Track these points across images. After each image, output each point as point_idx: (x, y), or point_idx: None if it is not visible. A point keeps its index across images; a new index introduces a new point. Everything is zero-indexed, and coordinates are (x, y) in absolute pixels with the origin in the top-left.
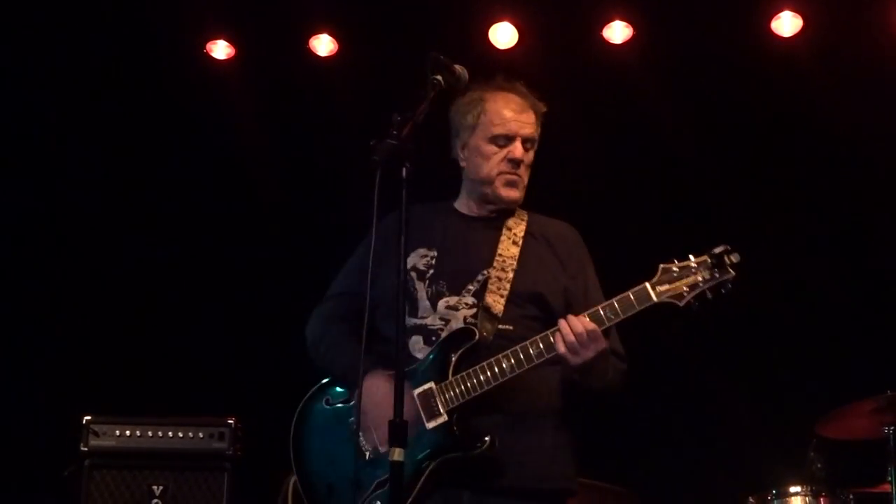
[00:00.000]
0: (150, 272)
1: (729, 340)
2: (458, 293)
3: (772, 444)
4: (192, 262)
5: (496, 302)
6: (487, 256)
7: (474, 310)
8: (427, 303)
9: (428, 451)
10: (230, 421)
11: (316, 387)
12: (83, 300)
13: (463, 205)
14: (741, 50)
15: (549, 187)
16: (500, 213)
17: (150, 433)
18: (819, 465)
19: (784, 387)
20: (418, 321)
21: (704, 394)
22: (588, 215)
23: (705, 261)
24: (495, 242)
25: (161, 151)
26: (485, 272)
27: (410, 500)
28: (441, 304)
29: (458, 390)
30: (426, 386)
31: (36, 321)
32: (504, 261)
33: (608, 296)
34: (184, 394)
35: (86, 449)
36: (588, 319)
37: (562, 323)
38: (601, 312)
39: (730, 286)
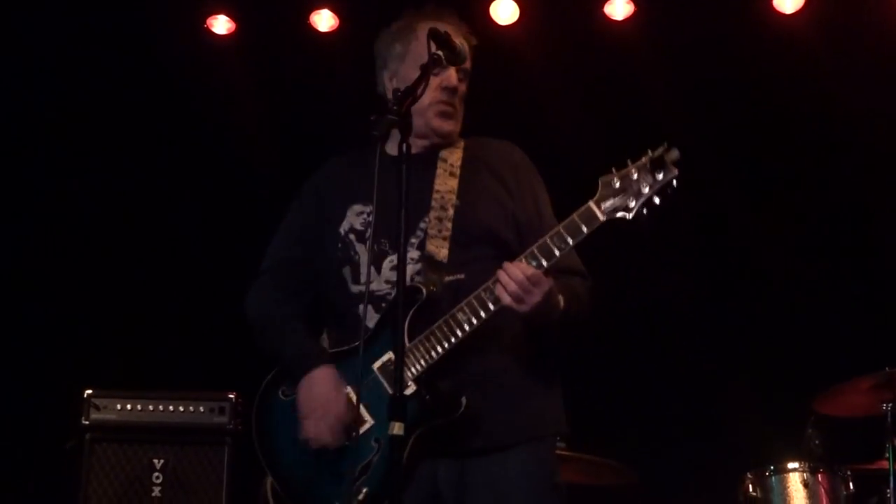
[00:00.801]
0: (150, 246)
1: (727, 317)
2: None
3: (770, 420)
4: (192, 237)
5: (439, 248)
6: (425, 198)
7: (420, 264)
8: (371, 267)
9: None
10: (231, 395)
11: (268, 378)
12: (85, 274)
13: (393, 146)
14: (742, 26)
15: (550, 166)
16: (435, 149)
17: (151, 407)
18: (817, 442)
19: (782, 363)
20: (363, 288)
21: (702, 370)
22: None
23: (644, 165)
24: (431, 179)
25: (161, 128)
26: (426, 218)
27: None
28: (385, 264)
29: (418, 354)
30: (385, 357)
31: (37, 295)
32: (443, 197)
33: None
34: (185, 368)
35: (87, 423)
36: (525, 263)
37: (500, 273)
38: (549, 243)
39: (675, 186)
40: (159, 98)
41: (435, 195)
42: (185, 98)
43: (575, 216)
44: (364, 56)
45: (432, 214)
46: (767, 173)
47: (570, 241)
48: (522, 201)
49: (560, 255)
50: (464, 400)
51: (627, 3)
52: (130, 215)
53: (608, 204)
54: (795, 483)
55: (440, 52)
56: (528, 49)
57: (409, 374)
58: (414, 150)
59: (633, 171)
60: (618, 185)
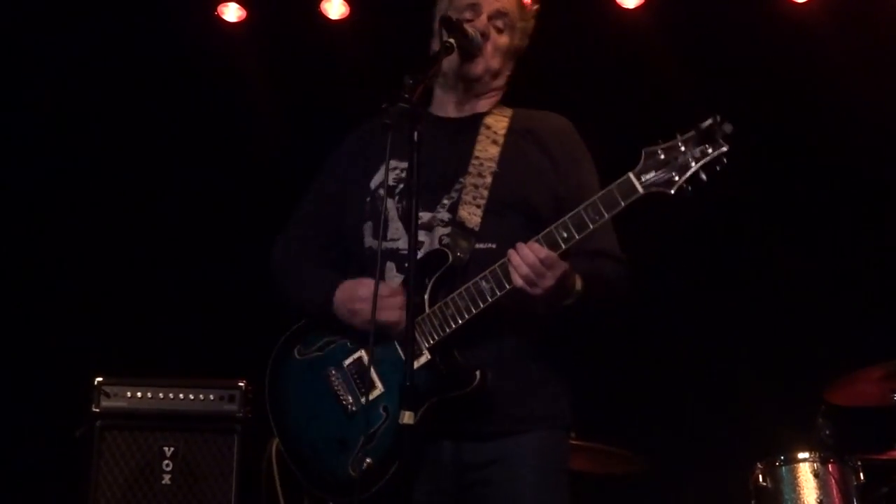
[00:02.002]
0: (161, 234)
1: (739, 306)
2: (431, 209)
3: (780, 410)
4: (202, 225)
5: (472, 215)
6: (464, 160)
7: (449, 227)
8: (399, 223)
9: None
10: (241, 383)
11: (284, 338)
12: (96, 261)
13: (438, 106)
14: (753, 15)
15: None
16: (479, 115)
17: (161, 395)
18: (827, 432)
19: (793, 353)
20: (388, 244)
21: (713, 359)
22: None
23: (693, 136)
24: (472, 143)
25: (171, 116)
26: (462, 179)
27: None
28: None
29: (436, 322)
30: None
31: (47, 283)
32: (481, 164)
33: None
34: (195, 355)
35: (97, 410)
36: (536, 244)
37: (511, 254)
38: (582, 214)
39: (725, 162)
40: (170, 86)
41: (473, 161)
42: (196, 86)
43: (613, 187)
44: (375, 43)
45: (468, 179)
46: (779, 164)
47: (605, 214)
48: (566, 175)
49: (594, 227)
50: (478, 373)
51: None
52: (140, 203)
53: (649, 176)
54: (806, 473)
55: (451, 40)
56: (538, 37)
57: (425, 343)
58: (456, 114)
59: (680, 143)
60: (662, 156)
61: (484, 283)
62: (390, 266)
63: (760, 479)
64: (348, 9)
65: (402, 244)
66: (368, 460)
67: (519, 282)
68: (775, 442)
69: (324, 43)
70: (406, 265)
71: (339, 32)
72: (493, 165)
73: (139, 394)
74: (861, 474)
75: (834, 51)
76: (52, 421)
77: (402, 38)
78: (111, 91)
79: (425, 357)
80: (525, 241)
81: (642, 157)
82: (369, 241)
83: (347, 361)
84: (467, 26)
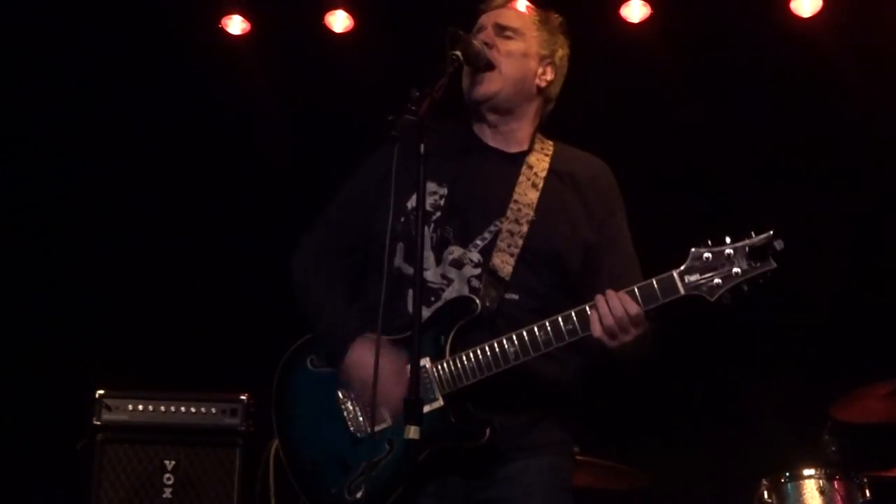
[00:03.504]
0: (163, 247)
1: (744, 322)
2: (465, 245)
3: (786, 426)
4: (207, 238)
5: (504, 263)
6: (503, 201)
7: (479, 269)
8: (430, 253)
9: (420, 437)
10: (243, 397)
11: (298, 343)
12: (98, 274)
13: (477, 125)
14: (759, 31)
15: None
16: (523, 153)
17: (162, 408)
18: (833, 448)
19: (799, 369)
20: (413, 270)
21: (718, 375)
22: None
23: (743, 248)
24: (513, 184)
25: (175, 129)
26: (497, 222)
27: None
28: (445, 254)
29: (455, 372)
30: (422, 362)
31: (49, 295)
32: (520, 209)
33: None
34: (197, 369)
35: (98, 423)
36: (629, 297)
37: (600, 302)
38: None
39: (769, 277)
40: (174, 98)
41: (512, 205)
42: (200, 99)
43: (654, 281)
44: (379, 57)
45: (505, 225)
46: (784, 176)
47: (642, 305)
48: (600, 225)
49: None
50: (487, 430)
51: (643, 5)
52: (144, 215)
53: (693, 278)
54: (811, 490)
55: (457, 52)
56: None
57: (438, 387)
58: (496, 143)
59: (729, 250)
60: (708, 260)
61: (509, 346)
62: (411, 293)
63: (766, 496)
64: (353, 22)
65: (431, 275)
66: (364, 487)
67: (598, 330)
68: (781, 458)
69: (328, 56)
70: (431, 298)
71: (343, 45)
72: (531, 213)
73: (140, 407)
74: (867, 491)
75: (840, 65)
76: (54, 434)
77: (406, 52)
78: (114, 104)
79: (439, 403)
80: (546, 296)
81: (689, 257)
82: (399, 261)
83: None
84: (474, 39)
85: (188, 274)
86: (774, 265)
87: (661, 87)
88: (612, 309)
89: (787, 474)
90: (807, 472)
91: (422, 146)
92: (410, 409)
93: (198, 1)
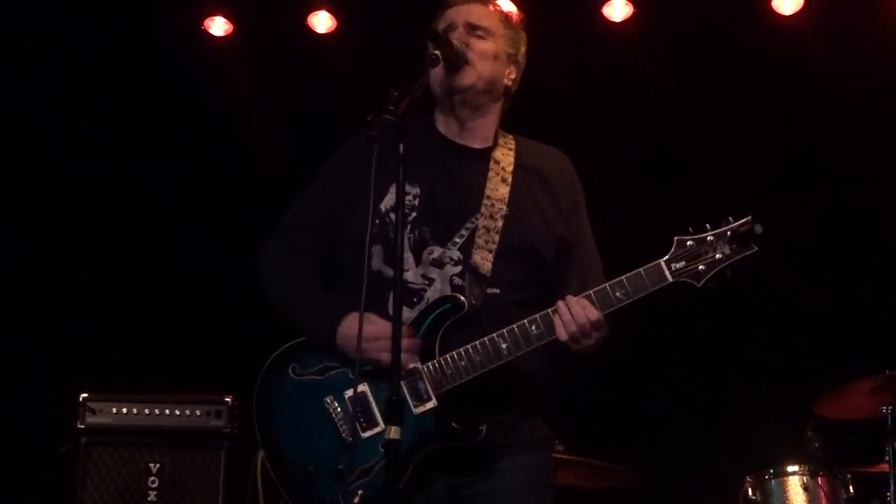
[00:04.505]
0: (148, 248)
1: (727, 319)
2: (443, 244)
3: (770, 423)
4: (190, 239)
5: (484, 260)
6: (476, 198)
7: (460, 267)
8: (409, 254)
9: (414, 439)
10: (227, 399)
11: (278, 352)
12: (81, 277)
13: (442, 122)
14: (741, 28)
15: None
16: (487, 149)
17: (147, 411)
18: (817, 445)
19: (783, 365)
20: (392, 272)
21: (702, 373)
22: (589, 195)
23: (724, 234)
24: (483, 180)
25: (158, 130)
26: (474, 219)
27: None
28: (425, 255)
29: (448, 372)
30: (411, 365)
31: (34, 298)
32: (493, 205)
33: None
34: (181, 371)
35: (82, 426)
36: (588, 302)
37: (561, 309)
38: (609, 292)
39: (750, 262)
40: (156, 99)
41: (485, 201)
42: (183, 100)
43: (642, 271)
44: (362, 57)
45: (481, 221)
46: (768, 175)
47: (632, 295)
48: (568, 217)
49: (618, 306)
50: (483, 428)
51: (626, 4)
52: (128, 217)
53: (679, 266)
54: (795, 486)
55: (437, 52)
56: (526, 49)
57: (431, 388)
58: (462, 140)
59: (711, 236)
60: (692, 248)
61: (502, 343)
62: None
63: (750, 493)
64: (335, 22)
65: (411, 276)
66: (361, 492)
67: (563, 336)
68: (765, 455)
69: (311, 57)
70: (414, 299)
71: (326, 46)
72: (504, 208)
73: (125, 409)
74: (851, 487)
75: (821, 62)
76: (38, 438)
77: (388, 52)
78: (96, 106)
79: (432, 403)
80: (526, 287)
81: (674, 245)
82: (378, 264)
83: (349, 393)
84: (453, 38)
85: (171, 276)
86: (756, 248)
87: (643, 85)
88: (575, 316)
89: (772, 471)
90: (791, 468)
91: (401, 146)
92: (393, 409)
93: (180, 2)
